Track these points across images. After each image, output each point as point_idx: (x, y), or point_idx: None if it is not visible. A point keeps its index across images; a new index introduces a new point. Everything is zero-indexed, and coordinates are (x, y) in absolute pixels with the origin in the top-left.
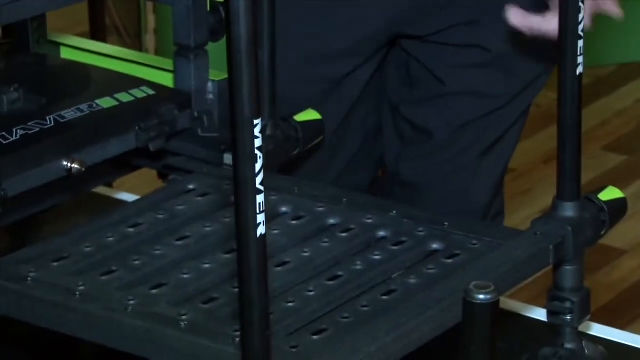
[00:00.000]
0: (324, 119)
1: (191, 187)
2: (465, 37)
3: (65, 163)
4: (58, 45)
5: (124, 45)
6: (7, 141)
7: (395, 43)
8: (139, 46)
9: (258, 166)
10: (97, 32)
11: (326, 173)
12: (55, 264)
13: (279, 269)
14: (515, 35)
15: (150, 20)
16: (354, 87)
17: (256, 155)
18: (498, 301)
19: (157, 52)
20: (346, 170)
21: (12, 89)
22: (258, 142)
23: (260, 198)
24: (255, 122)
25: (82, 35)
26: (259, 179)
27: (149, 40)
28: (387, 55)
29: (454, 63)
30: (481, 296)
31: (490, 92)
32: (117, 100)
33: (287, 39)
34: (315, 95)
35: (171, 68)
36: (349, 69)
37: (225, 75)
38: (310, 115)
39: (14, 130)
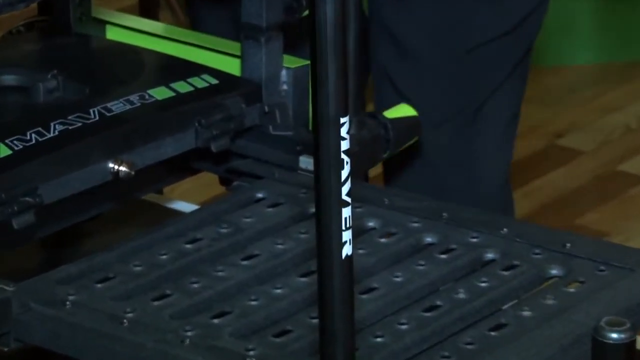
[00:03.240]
0: None
1: (260, 195)
2: None
3: (111, 165)
4: (103, 23)
5: (179, 22)
6: (44, 138)
7: None
8: None
9: (345, 173)
10: (148, 7)
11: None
12: (99, 285)
13: (365, 296)
14: None
15: None
16: None
17: (343, 160)
18: (634, 341)
19: None
20: None
21: (49, 76)
22: (345, 145)
23: (346, 212)
24: (343, 120)
25: (129, 9)
26: (345, 189)
27: None
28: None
29: None
30: (614, 335)
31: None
32: (173, 90)
33: None
34: None
35: (238, 52)
36: None
37: (303, 62)
38: (403, 110)
39: (52, 125)
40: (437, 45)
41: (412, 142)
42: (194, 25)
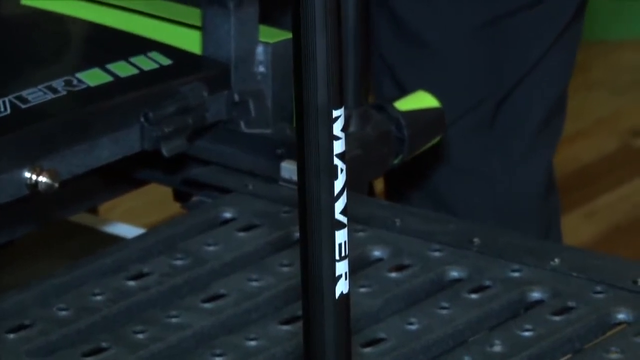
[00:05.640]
0: None
1: (228, 215)
2: None
3: (27, 175)
4: None
5: None
6: None
7: None
8: None
9: (339, 184)
10: None
11: None
12: (12, 335)
13: (368, 349)
14: None
15: None
16: None
17: (336, 166)
18: None
19: None
20: None
21: None
22: (339, 146)
23: (341, 236)
24: (336, 113)
25: None
26: (339, 205)
27: None
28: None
29: None
30: None
31: None
32: (111, 73)
33: None
34: None
35: (197, 22)
36: None
37: (285, 35)
38: (421, 100)
39: None
40: (444, 23)
41: (433, 142)
42: None
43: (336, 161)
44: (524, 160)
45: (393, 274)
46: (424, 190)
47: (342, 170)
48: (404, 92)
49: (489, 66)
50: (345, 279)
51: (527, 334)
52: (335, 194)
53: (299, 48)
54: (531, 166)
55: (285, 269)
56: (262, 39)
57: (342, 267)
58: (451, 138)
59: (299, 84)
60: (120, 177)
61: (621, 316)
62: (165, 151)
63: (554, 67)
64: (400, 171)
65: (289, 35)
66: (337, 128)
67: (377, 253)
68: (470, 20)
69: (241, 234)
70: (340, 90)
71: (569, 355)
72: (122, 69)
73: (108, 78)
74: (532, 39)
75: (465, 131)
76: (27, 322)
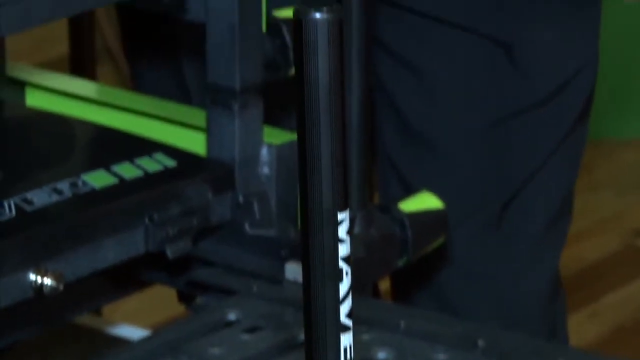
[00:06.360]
0: None
1: (233, 317)
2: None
3: (32, 277)
4: (22, 85)
5: (123, 80)
6: None
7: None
8: None
9: (344, 287)
10: (81, 59)
11: None
12: None
13: None
14: None
15: None
16: None
17: (341, 270)
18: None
19: None
20: None
21: None
22: (345, 249)
23: (347, 339)
24: (341, 216)
25: (57, 63)
26: (345, 308)
27: None
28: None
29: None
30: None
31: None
32: (116, 175)
33: None
34: None
35: (202, 124)
36: None
37: (289, 137)
38: (424, 201)
39: None
40: (450, 124)
41: (437, 243)
42: (138, 84)
43: (341, 264)
44: (530, 262)
45: None
46: (429, 290)
47: (347, 273)
48: (410, 192)
49: (495, 167)
50: None
51: None
52: (341, 298)
53: (303, 152)
54: (537, 268)
55: None
56: (266, 140)
57: None
58: (457, 239)
59: (304, 188)
60: (125, 278)
61: None
62: (169, 253)
63: (560, 167)
64: (406, 271)
65: (293, 137)
66: (342, 231)
67: (381, 355)
68: (476, 121)
69: (246, 336)
70: (345, 194)
71: None
72: (127, 170)
73: (113, 180)
74: (539, 140)
75: (471, 232)
76: None
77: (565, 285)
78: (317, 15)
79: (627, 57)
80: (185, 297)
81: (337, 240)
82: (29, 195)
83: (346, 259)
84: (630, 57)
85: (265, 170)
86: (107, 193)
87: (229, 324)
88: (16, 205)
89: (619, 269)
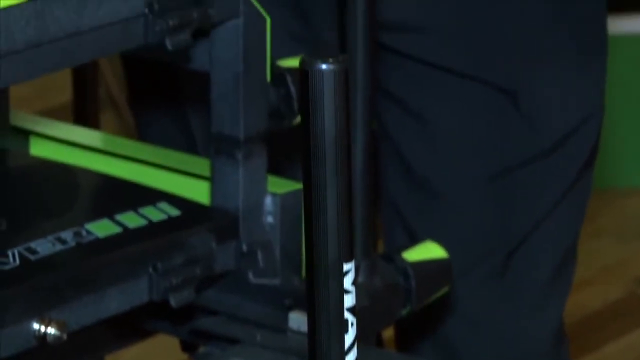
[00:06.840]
0: None
1: None
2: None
3: (36, 326)
4: (25, 134)
5: (126, 128)
6: None
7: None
8: None
9: (350, 338)
10: (84, 107)
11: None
12: None
13: None
14: None
15: None
16: None
17: (346, 320)
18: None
19: None
20: None
21: None
22: (350, 300)
23: None
24: (347, 267)
25: (60, 111)
26: (350, 359)
27: None
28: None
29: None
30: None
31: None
32: (119, 224)
33: None
34: None
35: (206, 173)
36: None
37: (294, 186)
38: (428, 250)
39: None
40: (455, 172)
41: (441, 293)
42: (141, 132)
43: (347, 315)
44: (535, 312)
45: None
46: (433, 339)
47: (352, 324)
48: (414, 239)
49: (500, 216)
50: None
51: None
52: (346, 348)
53: (309, 203)
54: (542, 317)
55: None
56: (270, 189)
57: None
58: (462, 288)
59: (309, 238)
60: (128, 327)
61: None
62: (173, 302)
63: (565, 216)
64: (410, 320)
65: (298, 186)
66: (347, 282)
67: None
68: (481, 170)
69: None
70: (351, 244)
71: None
72: (131, 219)
73: (117, 229)
74: (544, 189)
75: (475, 281)
76: None
77: (567, 333)
78: (324, 66)
79: (630, 106)
80: (188, 346)
81: (343, 291)
82: (33, 244)
83: (352, 310)
84: (635, 106)
85: (270, 219)
86: (111, 242)
87: None
88: (20, 255)
89: (622, 318)
